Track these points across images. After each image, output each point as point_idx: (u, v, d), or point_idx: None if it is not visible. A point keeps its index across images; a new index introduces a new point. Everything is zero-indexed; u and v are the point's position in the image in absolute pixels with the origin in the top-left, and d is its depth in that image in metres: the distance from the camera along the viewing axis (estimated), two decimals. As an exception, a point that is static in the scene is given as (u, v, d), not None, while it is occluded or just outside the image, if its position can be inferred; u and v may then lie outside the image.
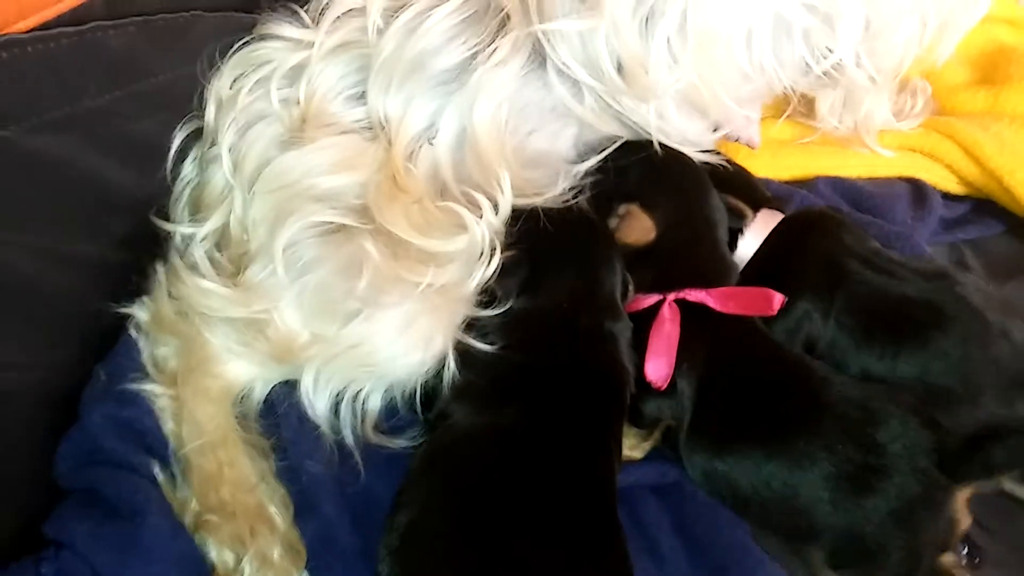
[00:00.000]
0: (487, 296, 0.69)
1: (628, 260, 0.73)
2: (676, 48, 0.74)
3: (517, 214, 0.73)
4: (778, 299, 0.70)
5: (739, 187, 0.81)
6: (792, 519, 0.62)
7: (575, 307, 0.69)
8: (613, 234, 0.75)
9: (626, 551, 0.58)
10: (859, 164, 0.94)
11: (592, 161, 0.78)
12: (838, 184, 0.92)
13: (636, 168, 0.77)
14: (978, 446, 0.63)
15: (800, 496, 0.62)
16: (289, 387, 0.70)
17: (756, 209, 0.79)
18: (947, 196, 0.93)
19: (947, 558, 0.61)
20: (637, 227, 0.74)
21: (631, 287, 0.72)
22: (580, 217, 0.75)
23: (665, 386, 0.68)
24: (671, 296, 0.71)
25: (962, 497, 0.61)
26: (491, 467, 0.61)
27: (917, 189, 0.92)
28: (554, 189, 0.75)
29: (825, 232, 0.76)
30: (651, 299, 0.71)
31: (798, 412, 0.65)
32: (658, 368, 0.68)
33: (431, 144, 0.74)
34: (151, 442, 0.67)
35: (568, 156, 0.79)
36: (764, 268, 0.76)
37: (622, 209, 0.75)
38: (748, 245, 0.77)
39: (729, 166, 0.83)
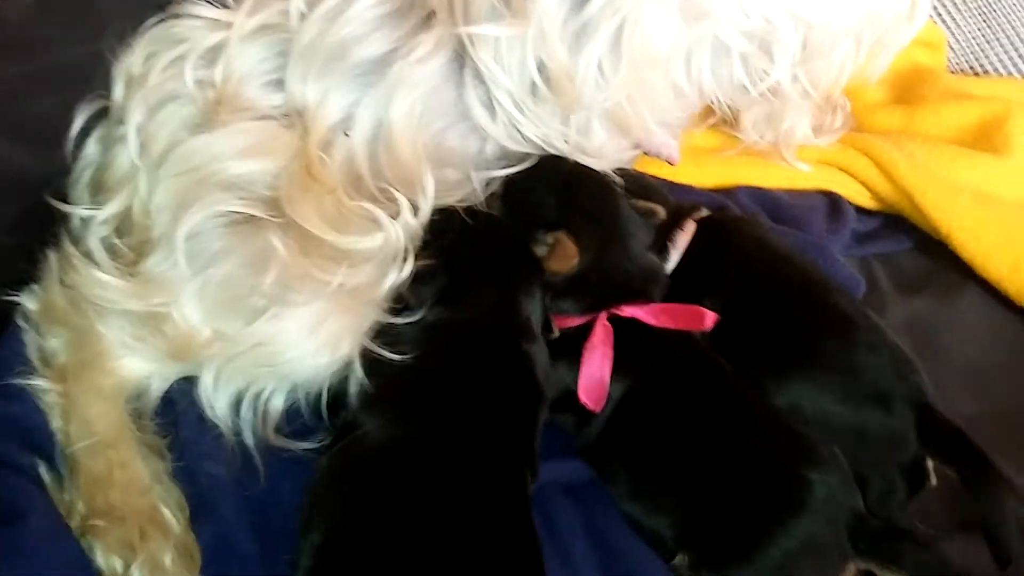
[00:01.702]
0: (398, 303, 0.67)
1: (558, 286, 0.72)
2: (607, 66, 0.73)
3: (436, 219, 0.72)
4: (711, 316, 0.71)
5: (648, 191, 0.81)
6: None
7: (492, 325, 0.67)
8: (539, 261, 0.73)
9: (542, 566, 0.57)
10: (779, 176, 0.95)
11: (507, 171, 0.76)
12: (758, 194, 0.93)
13: (556, 189, 0.76)
14: (893, 535, 0.61)
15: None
16: (188, 384, 0.67)
17: (679, 217, 0.79)
18: (860, 210, 0.95)
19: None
20: (565, 256, 0.73)
21: (553, 324, 0.71)
22: (507, 236, 0.74)
23: (600, 409, 0.67)
24: (603, 314, 0.70)
25: (852, 570, 0.60)
26: (406, 481, 0.59)
27: (833, 202, 0.94)
28: (465, 190, 0.74)
29: (742, 235, 0.78)
30: (584, 318, 0.71)
31: (725, 431, 0.65)
32: (592, 391, 0.67)
33: (347, 136, 0.71)
34: (37, 441, 0.64)
35: (480, 159, 0.78)
36: (687, 275, 0.76)
37: (550, 238, 0.73)
38: (675, 255, 0.77)
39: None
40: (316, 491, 0.60)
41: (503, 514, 0.59)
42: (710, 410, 0.67)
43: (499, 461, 0.61)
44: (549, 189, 0.76)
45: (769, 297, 0.75)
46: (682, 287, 0.75)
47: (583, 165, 0.78)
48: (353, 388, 0.64)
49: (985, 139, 0.96)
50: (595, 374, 0.67)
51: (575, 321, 0.71)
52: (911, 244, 0.94)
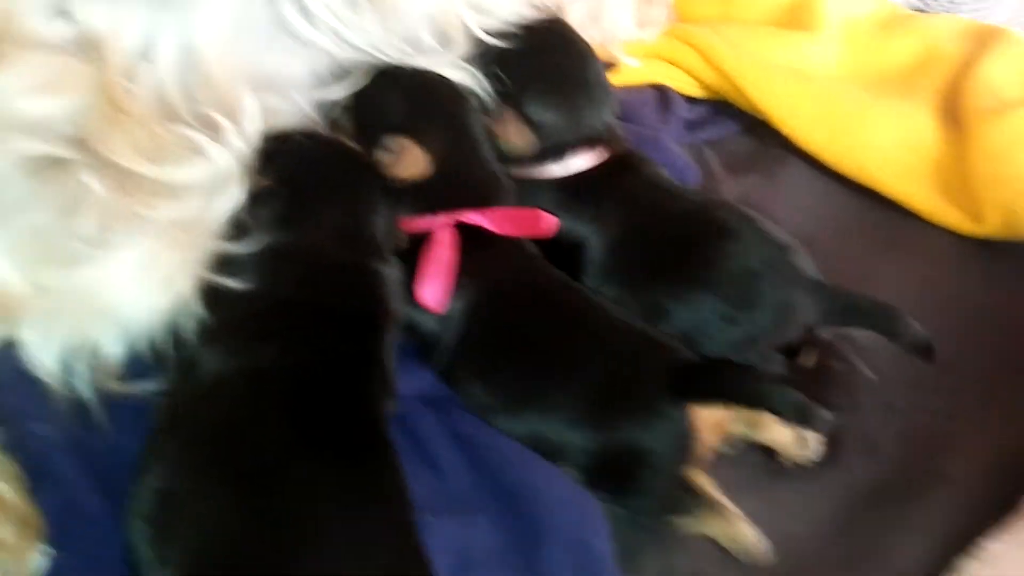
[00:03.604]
0: (237, 230, 0.64)
1: (402, 192, 0.71)
2: None
3: (269, 142, 0.68)
4: (551, 220, 0.71)
5: None
6: (543, 444, 0.63)
7: (338, 245, 0.65)
8: (382, 170, 0.71)
9: (401, 477, 0.57)
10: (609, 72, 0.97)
11: (341, 90, 0.74)
12: (591, 91, 0.94)
13: (401, 97, 0.74)
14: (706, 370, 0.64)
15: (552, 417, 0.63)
16: (9, 347, 0.61)
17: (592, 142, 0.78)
18: (689, 99, 0.98)
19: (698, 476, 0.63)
20: (411, 162, 0.71)
21: (402, 233, 0.69)
22: (343, 150, 0.71)
23: (442, 310, 0.67)
24: (446, 218, 0.69)
25: (709, 417, 0.62)
26: (248, 412, 0.56)
27: (662, 94, 0.96)
28: (296, 113, 0.71)
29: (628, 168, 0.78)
30: (427, 221, 0.70)
31: (563, 336, 0.66)
32: (433, 292, 0.67)
33: (150, 62, 0.66)
34: None
35: (308, 80, 0.74)
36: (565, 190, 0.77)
37: (394, 144, 0.71)
38: (562, 168, 0.77)
39: None
40: (154, 434, 0.57)
41: (355, 438, 0.57)
42: (558, 315, 0.68)
43: (348, 384, 0.60)
44: (396, 96, 0.74)
45: (661, 222, 0.75)
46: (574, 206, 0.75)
47: (432, 72, 0.76)
48: (191, 324, 0.61)
49: (796, 19, 1.01)
50: (436, 274, 0.67)
51: (418, 226, 0.70)
52: (738, 127, 0.97)
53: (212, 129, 0.66)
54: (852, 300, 0.70)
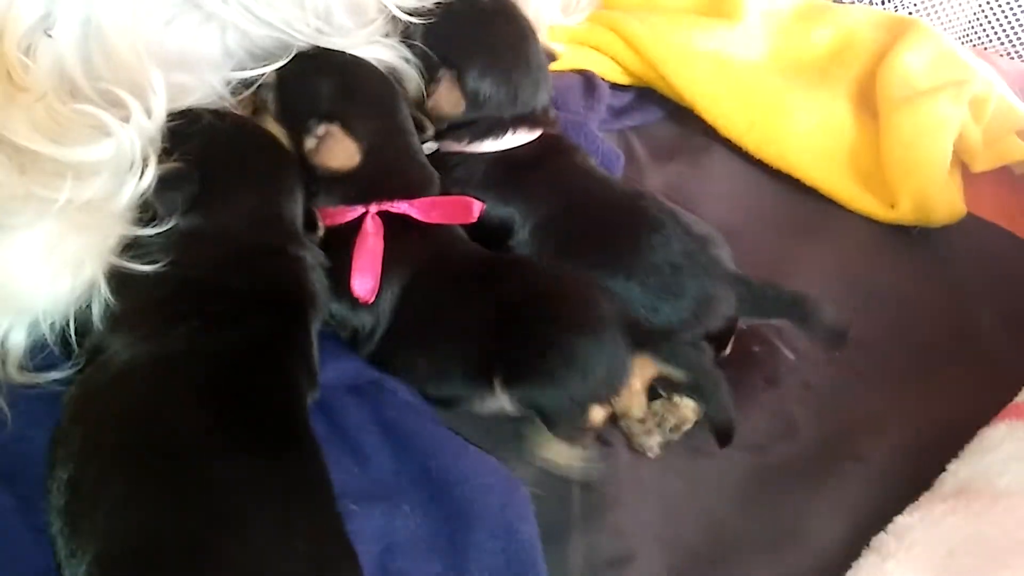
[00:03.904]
0: (147, 213, 0.61)
1: (328, 181, 0.69)
2: None
3: (178, 121, 0.65)
4: (477, 206, 0.71)
5: None
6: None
7: (254, 229, 0.63)
8: (310, 158, 0.69)
9: (323, 465, 0.55)
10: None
11: (257, 71, 0.71)
12: (516, 78, 0.93)
13: (329, 81, 0.72)
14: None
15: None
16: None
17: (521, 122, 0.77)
18: (614, 86, 0.98)
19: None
20: (339, 150, 0.69)
21: (319, 221, 0.68)
22: (259, 133, 0.69)
23: (372, 299, 0.66)
24: (374, 208, 0.68)
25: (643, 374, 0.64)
26: (160, 399, 0.54)
27: (587, 80, 0.96)
28: (208, 93, 0.68)
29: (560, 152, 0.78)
30: (354, 212, 0.69)
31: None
32: (364, 283, 0.66)
33: (50, 36, 0.63)
34: None
35: (221, 58, 0.71)
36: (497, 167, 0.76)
37: (320, 130, 0.69)
38: (497, 144, 0.77)
39: None
40: (61, 425, 0.54)
41: (275, 426, 0.55)
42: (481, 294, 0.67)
43: (268, 371, 0.58)
44: (323, 80, 0.72)
45: (588, 207, 0.75)
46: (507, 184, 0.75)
47: (359, 57, 0.74)
48: (98, 309, 0.58)
49: (717, 7, 1.02)
50: (366, 267, 0.66)
51: (344, 217, 0.68)
52: (662, 114, 0.99)
53: (117, 107, 0.62)
54: (769, 292, 0.71)
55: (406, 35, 0.78)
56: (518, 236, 0.74)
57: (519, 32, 0.80)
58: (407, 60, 0.77)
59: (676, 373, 0.65)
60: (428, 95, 0.76)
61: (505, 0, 0.81)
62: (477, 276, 0.68)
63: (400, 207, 0.69)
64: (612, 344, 0.63)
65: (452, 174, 0.75)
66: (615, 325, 0.64)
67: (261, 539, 0.49)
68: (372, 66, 0.75)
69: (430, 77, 0.77)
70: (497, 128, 0.77)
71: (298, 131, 0.70)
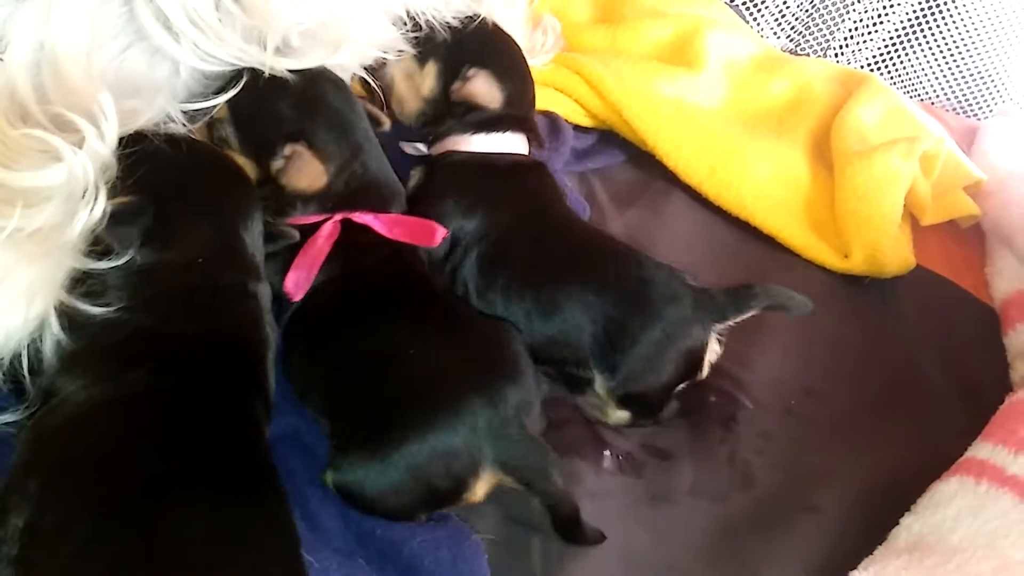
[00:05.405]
0: (99, 246, 0.59)
1: (302, 200, 0.69)
2: None
3: (129, 146, 0.62)
4: (440, 232, 0.71)
5: None
6: None
7: (211, 265, 0.61)
8: (280, 179, 0.69)
9: (286, 505, 0.53)
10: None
11: (212, 102, 0.69)
12: (481, 116, 0.93)
13: (288, 102, 0.70)
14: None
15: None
16: None
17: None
18: (577, 128, 0.98)
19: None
20: (307, 171, 0.68)
21: (290, 231, 0.67)
22: (215, 157, 0.67)
23: (299, 298, 0.66)
24: (338, 216, 0.69)
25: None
26: (117, 442, 0.51)
27: (552, 121, 0.96)
28: (161, 122, 0.66)
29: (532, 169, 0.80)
30: (318, 218, 0.69)
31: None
32: (297, 280, 0.67)
33: (1, 60, 0.60)
34: None
35: (177, 86, 0.69)
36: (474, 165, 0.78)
37: (287, 150, 0.68)
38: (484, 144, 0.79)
39: None
40: (12, 472, 0.51)
41: (237, 465, 0.53)
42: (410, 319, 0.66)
43: (228, 410, 0.56)
44: (279, 102, 0.70)
45: (553, 223, 0.77)
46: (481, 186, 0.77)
47: (309, 70, 0.72)
48: (49, 348, 0.55)
49: (680, 54, 1.04)
50: (304, 264, 0.67)
51: (309, 219, 0.69)
52: (624, 158, 0.99)
53: (68, 132, 0.60)
54: (737, 290, 0.71)
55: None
56: (477, 238, 0.74)
57: (518, 48, 0.86)
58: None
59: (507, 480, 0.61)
60: (454, 90, 0.79)
61: (494, 24, 0.85)
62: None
63: (363, 218, 0.69)
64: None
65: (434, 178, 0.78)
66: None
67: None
68: (324, 76, 0.73)
69: (453, 75, 0.80)
70: (495, 126, 0.80)
71: (264, 158, 0.69)
